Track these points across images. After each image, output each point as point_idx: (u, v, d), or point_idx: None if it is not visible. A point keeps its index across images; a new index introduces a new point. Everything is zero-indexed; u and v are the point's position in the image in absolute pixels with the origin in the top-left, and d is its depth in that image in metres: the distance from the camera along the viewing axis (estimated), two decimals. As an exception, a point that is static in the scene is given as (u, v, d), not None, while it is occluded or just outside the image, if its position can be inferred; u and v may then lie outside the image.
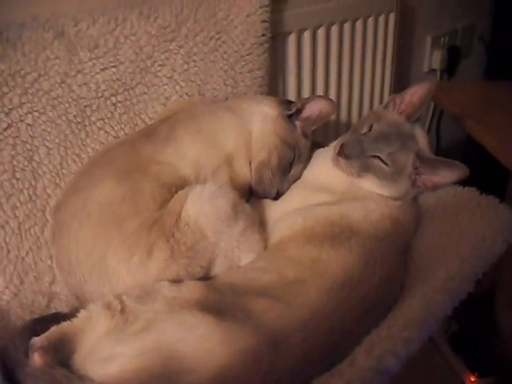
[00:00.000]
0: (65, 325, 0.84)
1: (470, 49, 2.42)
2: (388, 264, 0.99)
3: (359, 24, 1.74)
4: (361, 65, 1.82)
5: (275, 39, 1.49)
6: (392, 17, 1.83)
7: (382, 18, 1.80)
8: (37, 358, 0.78)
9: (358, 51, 1.78)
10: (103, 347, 0.78)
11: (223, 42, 1.32)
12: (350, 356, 0.80)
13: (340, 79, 1.76)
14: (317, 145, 1.28)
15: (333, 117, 1.71)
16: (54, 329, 0.83)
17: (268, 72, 1.43)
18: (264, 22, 1.36)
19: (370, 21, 1.77)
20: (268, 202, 1.17)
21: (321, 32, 1.63)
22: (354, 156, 1.09)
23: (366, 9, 1.75)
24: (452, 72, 2.35)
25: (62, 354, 0.80)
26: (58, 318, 0.89)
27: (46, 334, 0.82)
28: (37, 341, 0.80)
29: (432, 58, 2.25)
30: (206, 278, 0.97)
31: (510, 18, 2.28)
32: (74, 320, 0.84)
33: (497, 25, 2.37)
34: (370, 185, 1.11)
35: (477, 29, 2.40)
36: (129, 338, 0.78)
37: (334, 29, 1.67)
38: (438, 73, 2.27)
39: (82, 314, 0.85)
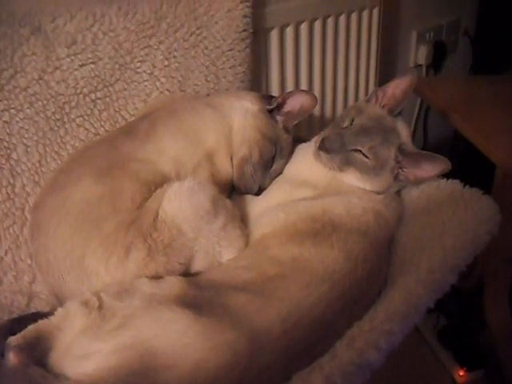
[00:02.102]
0: (41, 323, 0.82)
1: (456, 44, 2.42)
2: (370, 258, 0.98)
3: (343, 19, 1.73)
4: (345, 60, 1.81)
5: (257, 35, 1.48)
6: (376, 12, 1.82)
7: (365, 13, 1.79)
8: (12, 357, 0.76)
9: (341, 47, 1.78)
10: (79, 345, 0.77)
11: (204, 37, 1.31)
12: (331, 350, 0.79)
13: (324, 75, 1.75)
14: (300, 140, 1.27)
15: (317, 112, 1.71)
16: (30, 327, 0.82)
17: (250, 68, 1.42)
18: (245, 17, 1.36)
19: (354, 16, 1.76)
20: (250, 198, 1.16)
21: (303, 27, 1.63)
22: (335, 150, 1.08)
23: (350, 3, 1.74)
24: (438, 67, 2.35)
25: (38, 353, 0.78)
26: (37, 317, 0.87)
27: (22, 332, 0.80)
28: (12, 340, 0.79)
29: (418, 54, 2.26)
30: (187, 274, 0.96)
31: (494, 13, 2.28)
32: (51, 318, 0.83)
33: (482, 20, 2.37)
34: (351, 179, 1.10)
35: (462, 24, 2.41)
36: (105, 335, 0.77)
37: (317, 24, 1.66)
38: (424, 68, 2.27)
39: (59, 311, 0.84)
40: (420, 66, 2.27)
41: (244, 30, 1.36)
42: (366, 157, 1.07)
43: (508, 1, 2.12)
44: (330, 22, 1.70)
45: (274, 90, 1.61)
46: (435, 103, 1.91)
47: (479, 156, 1.56)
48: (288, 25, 1.58)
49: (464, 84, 2.13)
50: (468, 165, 1.01)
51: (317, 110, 1.72)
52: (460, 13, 2.38)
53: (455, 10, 2.36)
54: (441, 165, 1.06)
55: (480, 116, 1.72)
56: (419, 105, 2.30)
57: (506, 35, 2.16)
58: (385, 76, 2.02)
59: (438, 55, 2.31)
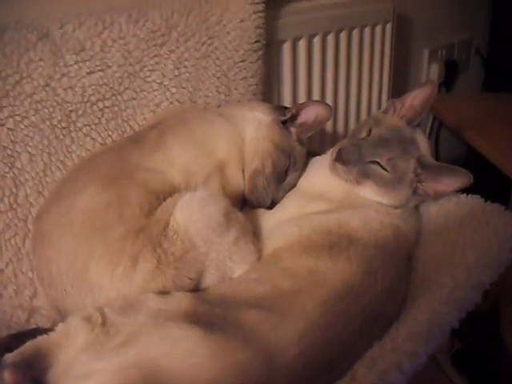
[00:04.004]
0: (40, 339, 0.77)
1: (468, 62, 2.42)
2: (389, 274, 0.93)
3: (356, 33, 1.71)
4: (358, 75, 1.78)
5: (270, 47, 1.45)
6: (389, 27, 1.80)
7: (378, 28, 1.77)
8: (7, 376, 0.72)
9: (354, 61, 1.75)
10: (80, 363, 0.72)
11: (215, 47, 1.28)
12: (350, 372, 0.74)
13: (336, 89, 1.72)
14: (313, 154, 1.24)
15: (330, 127, 1.68)
16: (28, 344, 0.77)
17: (262, 80, 1.38)
18: (258, 28, 1.33)
19: (367, 31, 1.74)
20: (262, 211, 1.12)
21: (316, 41, 1.60)
22: (352, 162, 1.04)
23: (363, 18, 1.72)
24: (450, 86, 2.35)
25: (36, 372, 0.74)
26: (36, 333, 0.82)
27: (20, 349, 0.76)
28: (9, 357, 0.74)
29: (430, 72, 2.25)
30: (195, 290, 0.91)
31: (506, 32, 2.28)
32: (51, 334, 0.78)
33: (494, 39, 2.38)
34: (369, 192, 1.06)
35: (474, 43, 2.41)
36: (108, 353, 0.72)
37: (330, 38, 1.63)
38: (436, 86, 2.24)
39: (59, 327, 0.79)
40: (432, 83, 2.23)
41: (256, 41, 1.33)
42: (385, 169, 1.03)
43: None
44: (343, 36, 1.67)
45: (286, 104, 1.57)
46: (449, 120, 1.89)
47: (492, 174, 1.54)
48: (301, 38, 1.55)
49: (477, 101, 2.11)
50: (480, 183, 0.99)
51: (329, 126, 1.69)
52: (471, 32, 2.39)
53: (467, 28, 2.36)
54: (462, 178, 1.02)
55: (495, 133, 1.71)
56: (431, 123, 2.26)
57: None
58: (397, 94, 1.99)
59: (450, 73, 2.31)
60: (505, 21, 2.28)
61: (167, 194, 0.98)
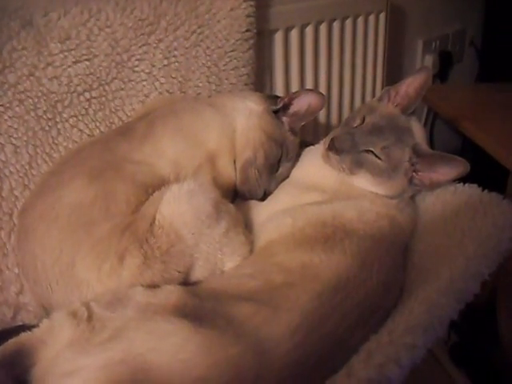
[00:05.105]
0: (23, 336, 0.75)
1: (462, 54, 2.42)
2: (386, 266, 0.91)
3: (349, 23, 1.69)
4: (351, 65, 1.76)
5: (261, 36, 1.43)
6: (382, 17, 1.79)
7: (371, 18, 1.75)
8: (-12, 374, 0.69)
9: (347, 51, 1.73)
10: (65, 359, 0.69)
11: (205, 36, 1.25)
12: (346, 366, 0.71)
13: (330, 79, 1.70)
14: (306, 144, 1.21)
15: (323, 118, 1.66)
16: (10, 341, 0.74)
17: (254, 70, 1.36)
18: (248, 16, 1.30)
19: (360, 20, 1.72)
20: (254, 203, 1.09)
21: (309, 30, 1.57)
22: (346, 150, 1.01)
23: (356, 7, 1.70)
24: (444, 77, 2.33)
25: (18, 369, 0.71)
26: (22, 330, 0.80)
27: (1, 346, 0.73)
28: (-11, 355, 0.71)
29: (424, 63, 2.24)
30: (186, 284, 0.88)
31: (500, 23, 2.27)
32: (35, 330, 0.75)
33: (488, 30, 2.37)
34: (363, 182, 1.03)
35: (468, 34, 2.40)
36: (93, 349, 0.69)
37: (323, 27, 1.61)
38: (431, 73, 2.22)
39: (44, 323, 0.76)
40: (427, 74, 2.22)
41: (247, 31, 1.31)
42: (379, 158, 1.00)
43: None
44: (336, 25, 1.65)
45: (278, 94, 1.54)
46: (444, 111, 1.87)
47: (487, 164, 1.52)
48: (293, 27, 1.53)
49: (472, 92, 2.10)
50: (476, 174, 0.97)
51: (322, 116, 1.67)
52: (466, 22, 2.37)
53: (461, 19, 2.35)
54: (458, 167, 0.99)
55: (491, 123, 1.70)
56: (426, 114, 2.25)
57: (512, 45, 2.13)
58: (391, 84, 1.98)
59: (445, 65, 2.29)
60: (498, 12, 2.28)
61: (156, 187, 0.95)
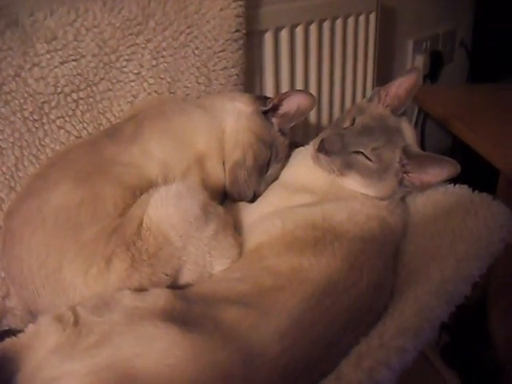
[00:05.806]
0: (8, 341, 0.74)
1: (452, 54, 2.41)
2: (376, 269, 0.90)
3: (339, 23, 1.68)
4: (342, 66, 1.76)
5: (251, 37, 1.42)
6: (373, 17, 1.78)
7: (362, 18, 1.74)
8: (-30, 382, 0.67)
9: (338, 51, 1.72)
10: (50, 365, 0.68)
11: (195, 37, 1.24)
12: (335, 370, 0.71)
13: (320, 80, 1.69)
14: (296, 145, 1.20)
15: (313, 118, 1.65)
16: (-6, 347, 0.73)
17: (243, 70, 1.35)
18: (238, 16, 1.29)
19: (350, 20, 1.71)
20: (244, 205, 1.08)
21: (299, 30, 1.56)
22: (335, 152, 1.01)
23: (346, 8, 1.69)
24: (435, 77, 2.33)
25: (4, 374, 0.70)
26: (8, 335, 0.78)
27: (-15, 353, 0.71)
28: (-27, 362, 0.70)
29: (414, 63, 2.23)
30: (174, 287, 0.87)
31: (490, 23, 2.27)
32: (20, 335, 0.74)
33: (478, 30, 2.37)
34: (353, 184, 1.02)
35: (458, 34, 2.40)
36: (79, 354, 0.67)
37: (313, 27, 1.60)
38: (421, 73, 2.23)
39: (29, 328, 0.75)
40: (417, 75, 2.22)
41: (237, 31, 1.30)
42: (369, 159, 1.00)
43: (503, 12, 2.12)
44: (326, 25, 1.64)
45: (269, 95, 1.53)
46: (435, 111, 1.87)
47: (478, 165, 1.51)
48: (283, 27, 1.52)
49: (463, 92, 2.11)
50: (466, 174, 0.97)
51: (312, 116, 1.66)
52: (456, 23, 2.37)
53: (451, 20, 2.35)
54: (449, 168, 0.99)
55: (481, 123, 1.70)
56: (416, 114, 2.25)
57: (502, 45, 2.15)
58: (382, 85, 1.98)
59: (435, 65, 2.29)
60: (488, 12, 2.28)
61: (144, 189, 0.94)
